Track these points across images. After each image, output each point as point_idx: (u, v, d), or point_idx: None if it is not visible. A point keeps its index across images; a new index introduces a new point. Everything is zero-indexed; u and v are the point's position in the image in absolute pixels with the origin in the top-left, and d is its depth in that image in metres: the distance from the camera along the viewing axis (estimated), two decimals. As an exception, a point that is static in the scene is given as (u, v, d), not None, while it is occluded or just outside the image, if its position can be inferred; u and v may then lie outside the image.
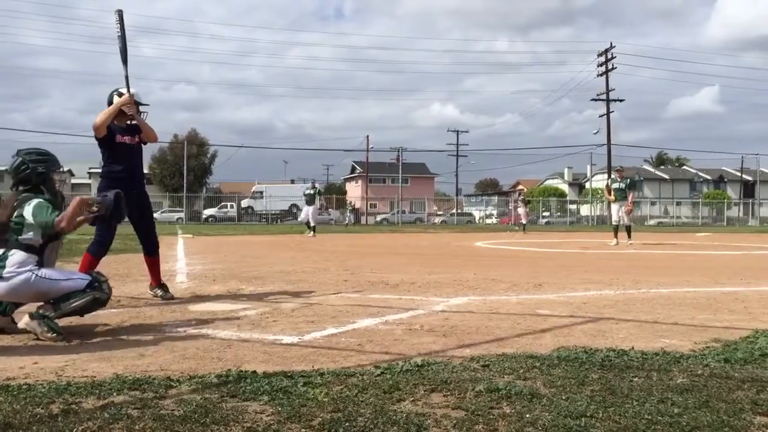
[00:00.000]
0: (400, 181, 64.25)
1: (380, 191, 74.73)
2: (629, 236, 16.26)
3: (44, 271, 4.16)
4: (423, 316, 5.03)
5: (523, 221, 27.90)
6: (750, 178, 73.83)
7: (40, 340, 4.00)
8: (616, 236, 16.38)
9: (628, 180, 16.59)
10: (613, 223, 16.66)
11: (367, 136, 63.51)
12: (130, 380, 2.99)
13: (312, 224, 21.57)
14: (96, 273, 4.49)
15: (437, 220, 60.12)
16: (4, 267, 4.05)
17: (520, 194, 31.47)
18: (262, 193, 60.28)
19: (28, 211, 4.14)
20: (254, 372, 3.14)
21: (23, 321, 4.12)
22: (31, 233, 4.15)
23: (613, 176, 17.71)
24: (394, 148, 67.73)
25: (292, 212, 56.89)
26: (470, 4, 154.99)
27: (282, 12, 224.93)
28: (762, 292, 6.58)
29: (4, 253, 4.12)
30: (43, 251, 4.23)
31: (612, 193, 16.39)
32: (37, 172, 4.34)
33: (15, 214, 4.17)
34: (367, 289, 6.66)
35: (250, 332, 4.33)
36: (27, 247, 4.14)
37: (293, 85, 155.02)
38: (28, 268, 4.10)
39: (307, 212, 21.74)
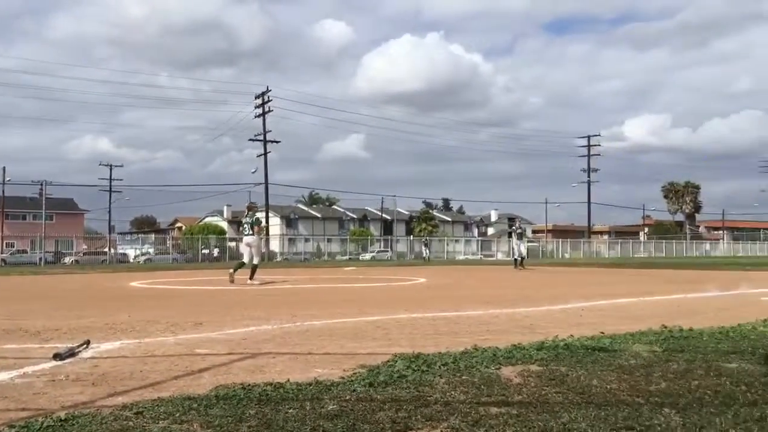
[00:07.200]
0: (44, 217, 58.36)
1: (20, 228, 67.16)
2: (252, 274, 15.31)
3: None
4: (69, 364, 4.59)
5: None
6: (389, 217, 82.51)
7: None
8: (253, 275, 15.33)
9: (255, 217, 16.14)
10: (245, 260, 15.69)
11: (3, 168, 57.00)
12: None
13: None
14: None
15: (68, 260, 52.97)
16: None
17: None
18: None
19: None
20: None
21: None
22: None
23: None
24: (36, 182, 61.83)
25: None
26: (132, 36, 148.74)
27: None
28: (398, 319, 7.33)
29: None
30: None
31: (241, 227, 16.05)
32: None
33: None
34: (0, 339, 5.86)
35: None
36: None
37: None
38: None
39: None
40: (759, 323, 6.51)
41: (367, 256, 65.59)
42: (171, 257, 56.40)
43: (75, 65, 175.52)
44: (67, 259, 52.74)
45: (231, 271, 15.34)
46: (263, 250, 16.27)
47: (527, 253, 25.28)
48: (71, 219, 73.40)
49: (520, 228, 26.03)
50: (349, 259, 60.95)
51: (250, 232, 15.55)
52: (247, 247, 15.66)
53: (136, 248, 62.62)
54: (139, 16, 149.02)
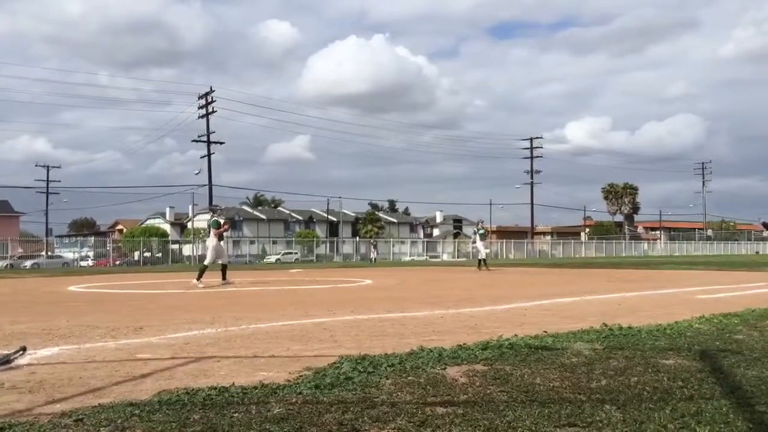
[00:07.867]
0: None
1: (-49, 232, 64.45)
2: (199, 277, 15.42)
3: None
4: (4, 372, 4.44)
5: None
6: (334, 219, 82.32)
7: None
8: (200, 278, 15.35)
9: (213, 219, 16.47)
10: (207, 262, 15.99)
11: (-66, 168, 54.63)
12: None
13: None
14: None
15: (2, 263, 49.26)
16: None
17: None
18: None
19: None
20: None
21: None
22: None
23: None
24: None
25: None
26: (71, 34, 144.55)
27: None
28: (344, 321, 7.32)
29: None
30: None
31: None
32: None
33: None
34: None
35: None
36: None
37: None
38: None
39: None
40: (694, 320, 6.74)
41: (272, 258, 63.65)
42: (62, 261, 54.00)
43: (11, 63, 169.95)
44: (1, 263, 50.79)
45: (221, 280, 15.59)
46: (219, 251, 16.26)
47: (486, 255, 25.27)
48: (6, 221, 70.70)
49: (482, 229, 26.00)
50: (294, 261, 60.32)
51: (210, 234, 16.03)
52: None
53: (75, 251, 60.73)
54: (78, 13, 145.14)
